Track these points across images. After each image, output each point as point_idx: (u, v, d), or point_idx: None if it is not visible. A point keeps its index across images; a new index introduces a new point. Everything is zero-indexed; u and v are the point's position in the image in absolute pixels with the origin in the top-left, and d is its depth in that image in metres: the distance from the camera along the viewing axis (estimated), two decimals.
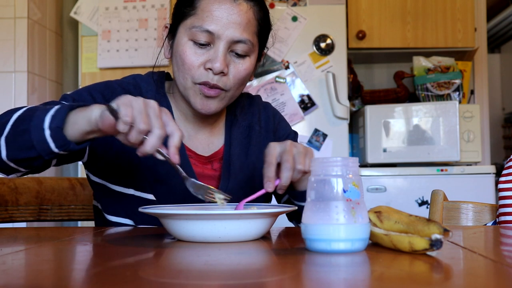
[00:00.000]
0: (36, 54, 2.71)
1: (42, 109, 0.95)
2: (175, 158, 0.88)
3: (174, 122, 0.88)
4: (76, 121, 0.91)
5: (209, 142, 1.24)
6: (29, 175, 1.14)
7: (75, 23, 2.90)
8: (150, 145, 0.86)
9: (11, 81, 2.61)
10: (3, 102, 2.60)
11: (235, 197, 1.19)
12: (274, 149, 1.00)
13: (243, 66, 1.13)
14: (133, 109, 0.84)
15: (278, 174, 1.00)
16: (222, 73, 1.11)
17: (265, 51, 1.24)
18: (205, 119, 1.22)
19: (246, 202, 0.99)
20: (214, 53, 1.10)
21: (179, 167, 0.92)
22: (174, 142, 0.88)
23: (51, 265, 0.70)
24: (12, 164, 0.98)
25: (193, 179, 0.96)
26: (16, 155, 0.95)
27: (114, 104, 0.85)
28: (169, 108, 1.21)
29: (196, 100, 1.13)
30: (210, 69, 1.10)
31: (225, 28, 1.09)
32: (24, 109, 0.99)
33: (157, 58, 1.23)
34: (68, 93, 1.16)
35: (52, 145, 0.92)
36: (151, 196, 1.15)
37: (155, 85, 1.22)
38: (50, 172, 2.75)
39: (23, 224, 2.02)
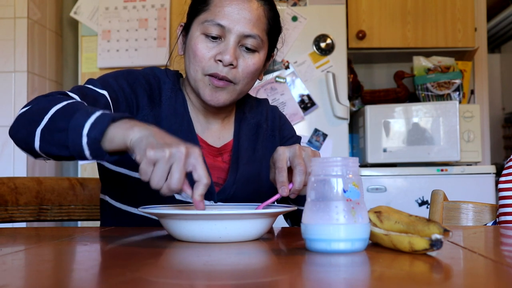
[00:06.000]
0: (36, 54, 2.71)
1: (82, 110, 0.94)
2: (199, 206, 0.86)
3: (203, 167, 0.85)
4: (113, 138, 0.90)
5: (220, 135, 1.28)
6: (29, 176, 1.14)
7: (75, 23, 2.90)
8: (174, 181, 0.82)
9: (11, 81, 2.61)
10: (3, 102, 2.60)
11: (242, 190, 1.21)
12: (284, 154, 1.01)
13: (252, 60, 1.18)
14: (156, 159, 0.83)
15: (289, 179, 1.00)
16: (231, 65, 1.15)
17: (274, 52, 1.29)
18: (216, 113, 1.26)
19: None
20: (224, 46, 1.15)
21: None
22: (199, 190, 0.85)
23: (51, 265, 0.70)
24: (43, 155, 0.99)
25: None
26: (49, 150, 0.96)
27: (141, 149, 0.84)
28: (184, 101, 1.24)
29: (205, 91, 1.17)
30: (220, 60, 1.14)
31: (236, 23, 1.15)
32: (64, 103, 0.98)
33: (170, 55, 1.27)
34: (95, 78, 1.17)
35: (87, 152, 0.92)
36: None
37: (172, 79, 1.26)
38: (50, 172, 2.75)
39: (23, 224, 2.02)
